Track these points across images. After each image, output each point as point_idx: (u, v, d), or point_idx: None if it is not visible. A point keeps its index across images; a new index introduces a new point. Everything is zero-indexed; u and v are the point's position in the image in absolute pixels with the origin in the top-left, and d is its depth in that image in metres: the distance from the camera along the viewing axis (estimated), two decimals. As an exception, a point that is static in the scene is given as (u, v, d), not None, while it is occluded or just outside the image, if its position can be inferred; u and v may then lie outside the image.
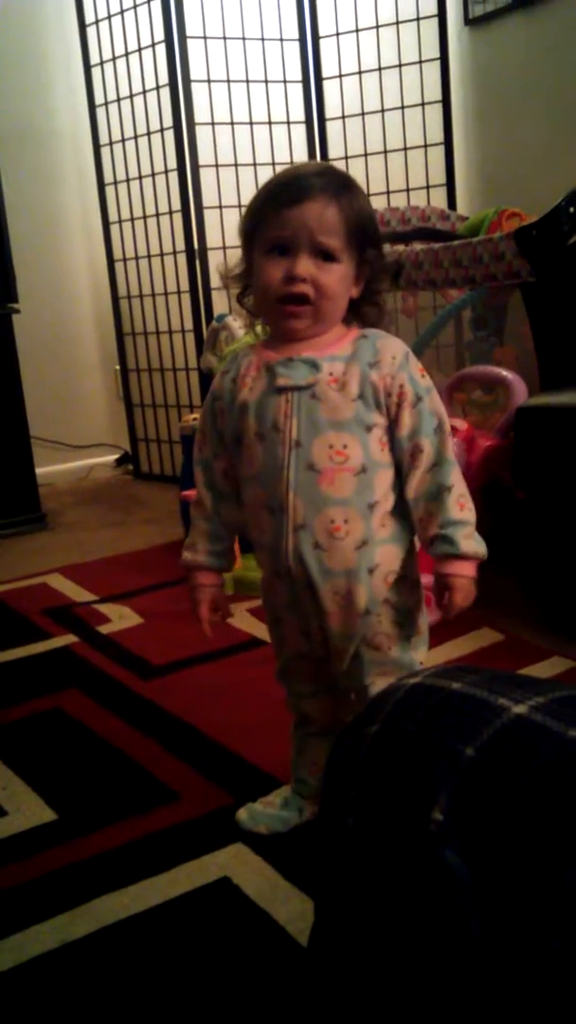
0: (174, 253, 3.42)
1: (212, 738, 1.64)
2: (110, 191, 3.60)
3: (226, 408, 1.22)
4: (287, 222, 1.11)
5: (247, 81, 3.37)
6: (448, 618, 1.18)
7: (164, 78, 3.25)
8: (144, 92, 3.36)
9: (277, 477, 1.16)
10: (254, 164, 3.39)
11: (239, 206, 3.34)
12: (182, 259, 3.39)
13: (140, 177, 3.47)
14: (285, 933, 1.14)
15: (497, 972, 0.48)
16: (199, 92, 3.27)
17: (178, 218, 3.35)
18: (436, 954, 0.51)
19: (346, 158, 3.43)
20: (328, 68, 3.42)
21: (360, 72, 3.38)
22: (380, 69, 3.34)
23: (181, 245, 3.37)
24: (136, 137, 3.44)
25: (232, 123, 3.36)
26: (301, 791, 1.37)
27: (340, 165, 3.43)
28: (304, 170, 1.15)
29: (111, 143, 3.55)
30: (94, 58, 3.51)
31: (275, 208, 1.13)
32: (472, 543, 1.15)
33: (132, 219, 3.55)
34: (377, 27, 3.31)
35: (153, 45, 3.27)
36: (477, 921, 0.49)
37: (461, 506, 1.15)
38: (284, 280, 1.13)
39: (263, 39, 3.36)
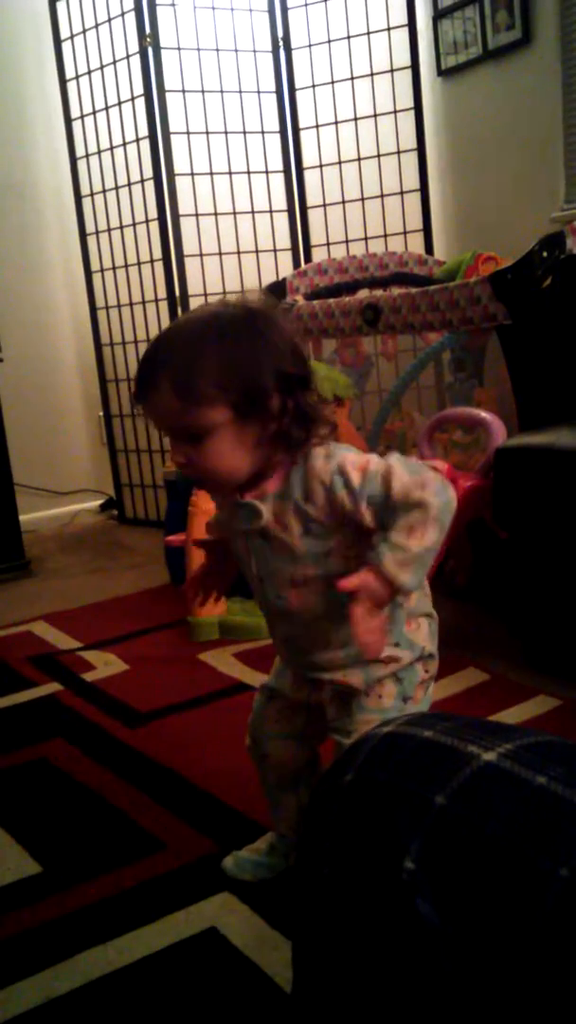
0: (156, 301, 3.46)
1: (198, 786, 1.63)
2: (92, 241, 3.65)
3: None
4: (147, 416, 1.09)
5: (226, 132, 3.44)
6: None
7: (144, 131, 3.31)
8: (124, 144, 3.42)
9: (258, 592, 1.20)
10: (234, 213, 3.45)
11: (219, 254, 3.40)
12: (163, 307, 3.42)
13: (121, 227, 3.52)
14: (273, 983, 1.13)
15: (473, 1017, 0.49)
16: (178, 143, 3.33)
17: (159, 267, 3.39)
18: (412, 1000, 0.51)
19: (324, 205, 3.50)
20: (305, 119, 3.50)
21: (336, 122, 3.45)
22: (356, 119, 3.42)
23: (163, 293, 3.41)
24: (117, 188, 3.49)
25: (211, 173, 3.43)
26: (285, 838, 1.36)
27: (319, 213, 3.51)
28: (149, 353, 1.08)
29: (92, 194, 3.60)
30: (75, 112, 3.58)
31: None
32: (398, 570, 1.02)
33: (114, 268, 3.60)
34: (352, 79, 3.40)
35: (133, 99, 3.34)
36: (451, 968, 0.49)
37: (410, 530, 1.03)
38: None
39: (240, 92, 3.43)
